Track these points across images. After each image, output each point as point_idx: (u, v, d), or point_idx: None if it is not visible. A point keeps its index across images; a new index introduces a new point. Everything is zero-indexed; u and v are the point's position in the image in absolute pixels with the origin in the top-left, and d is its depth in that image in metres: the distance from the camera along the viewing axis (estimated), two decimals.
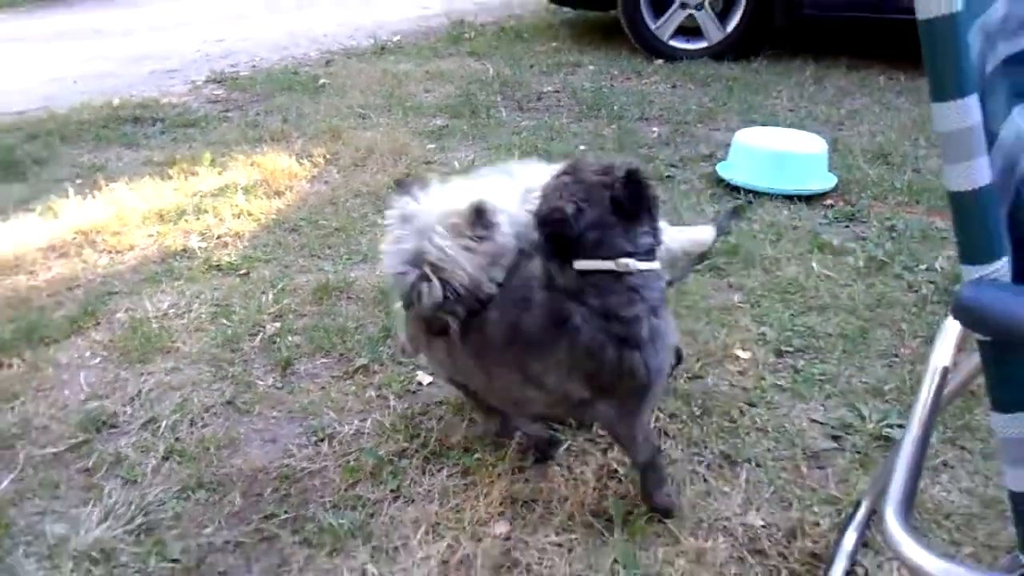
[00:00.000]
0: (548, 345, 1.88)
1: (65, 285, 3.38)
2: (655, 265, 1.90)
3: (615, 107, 5.21)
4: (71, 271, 3.50)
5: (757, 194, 3.89)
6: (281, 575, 2.00)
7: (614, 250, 1.82)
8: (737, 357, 2.73)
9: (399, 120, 5.22)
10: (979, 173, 0.92)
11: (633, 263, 1.82)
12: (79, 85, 6.58)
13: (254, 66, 6.95)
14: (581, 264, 1.83)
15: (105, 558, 2.04)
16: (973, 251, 0.96)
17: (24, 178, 4.57)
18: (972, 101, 0.91)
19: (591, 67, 6.25)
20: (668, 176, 4.18)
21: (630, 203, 1.82)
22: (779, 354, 2.74)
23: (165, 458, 2.39)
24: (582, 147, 4.58)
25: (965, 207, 0.95)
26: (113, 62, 7.45)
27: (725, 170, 4.08)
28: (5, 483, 2.33)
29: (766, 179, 3.90)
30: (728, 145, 4.17)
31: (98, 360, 2.86)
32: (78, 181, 4.40)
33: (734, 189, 3.97)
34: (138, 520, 2.15)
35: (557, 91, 5.70)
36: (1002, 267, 0.95)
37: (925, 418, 1.23)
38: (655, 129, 4.86)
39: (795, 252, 3.33)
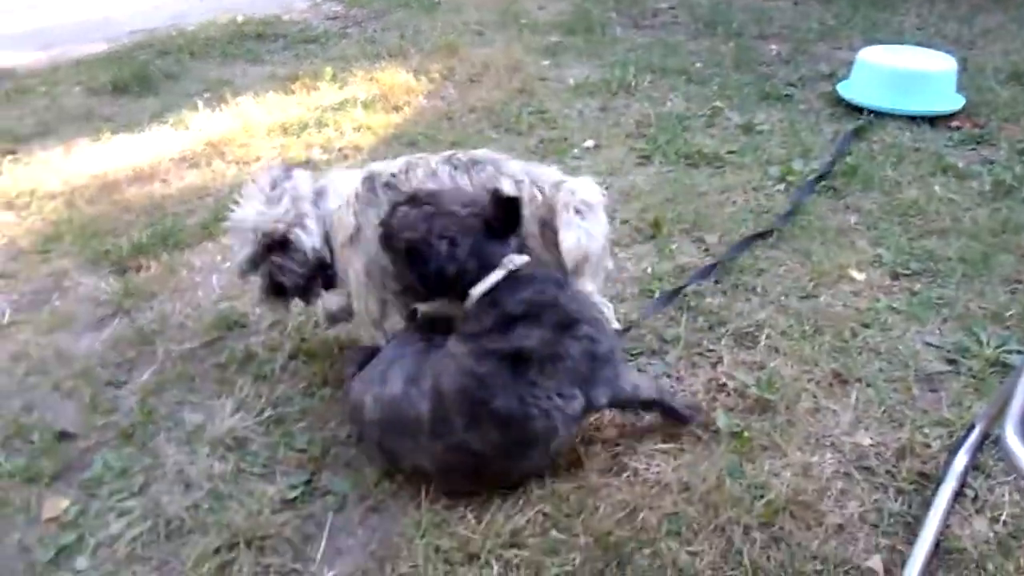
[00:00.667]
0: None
1: (196, 194, 3.53)
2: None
3: (733, 24, 5.10)
4: (202, 180, 3.65)
5: (879, 114, 3.79)
6: None
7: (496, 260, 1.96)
8: (852, 278, 2.71)
9: (514, 36, 5.22)
10: None
11: (516, 257, 1.96)
12: (205, 3, 6.73)
13: None
14: (476, 290, 1.95)
15: (238, 445, 2.19)
16: None
17: (157, 92, 4.75)
18: None
19: None
20: (786, 95, 4.11)
21: (504, 225, 1.96)
22: (895, 276, 2.71)
23: (292, 357, 2.51)
24: (698, 64, 4.52)
25: None
26: None
27: (846, 89, 3.99)
28: (147, 375, 2.49)
29: (889, 99, 3.79)
30: (850, 64, 4.06)
31: (228, 264, 2.99)
32: (206, 95, 4.55)
33: (855, 109, 3.87)
34: (267, 412, 2.29)
35: (673, 7, 5.61)
36: None
37: None
38: (774, 47, 4.76)
39: (916, 174, 3.26)
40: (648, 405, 2.11)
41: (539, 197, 2.11)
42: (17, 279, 3.04)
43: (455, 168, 2.20)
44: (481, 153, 2.26)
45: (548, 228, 2.09)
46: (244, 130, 4.07)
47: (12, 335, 2.74)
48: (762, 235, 2.91)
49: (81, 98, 4.75)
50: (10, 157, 4.02)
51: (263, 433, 2.23)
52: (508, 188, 2.10)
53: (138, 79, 4.85)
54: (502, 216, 1.96)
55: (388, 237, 2.02)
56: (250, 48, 5.42)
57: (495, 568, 1.81)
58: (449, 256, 1.94)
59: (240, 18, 6.02)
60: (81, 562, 1.92)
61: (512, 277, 1.96)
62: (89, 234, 3.25)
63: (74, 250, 3.17)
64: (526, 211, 2.05)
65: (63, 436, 2.28)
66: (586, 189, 2.13)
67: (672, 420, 2.13)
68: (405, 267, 2.01)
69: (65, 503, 2.07)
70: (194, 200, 3.47)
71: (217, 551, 1.90)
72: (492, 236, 1.97)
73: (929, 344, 2.40)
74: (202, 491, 2.06)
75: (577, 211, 2.05)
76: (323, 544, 1.93)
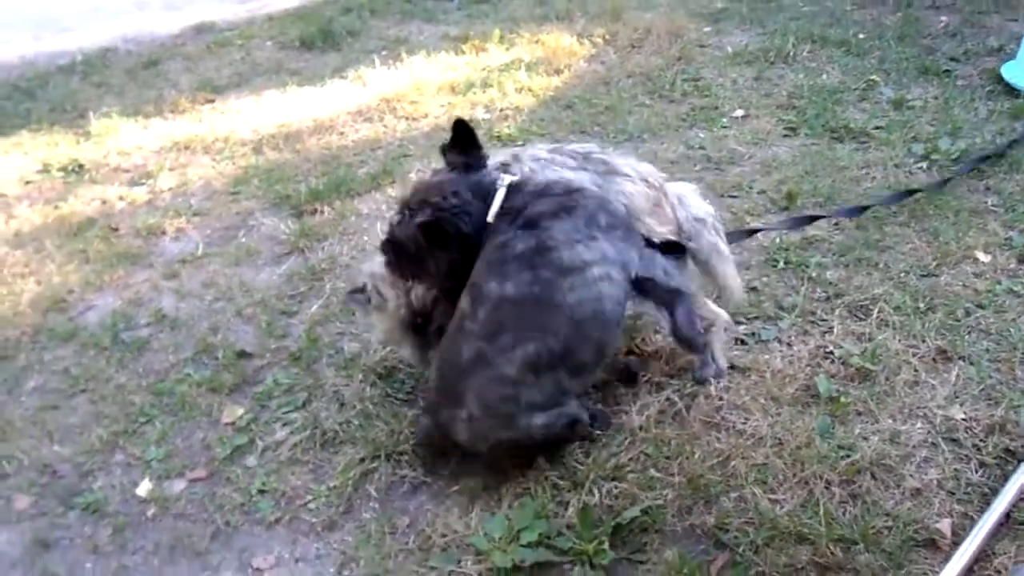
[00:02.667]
0: None
1: (369, 146, 3.88)
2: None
3: None
4: (374, 134, 4.00)
5: None
6: None
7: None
8: (976, 259, 2.78)
9: (679, 1, 5.33)
10: None
11: (506, 176, 2.18)
12: None
13: None
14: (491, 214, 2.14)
15: (387, 374, 2.52)
16: None
17: (339, 48, 5.14)
18: None
19: None
20: (946, 71, 4.09)
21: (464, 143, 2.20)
22: (1021, 261, 2.77)
23: None
24: (861, 35, 4.55)
25: None
26: None
27: (1009, 71, 3.92)
28: (315, 307, 2.85)
29: None
30: (1021, 39, 4.00)
31: (392, 212, 3.31)
32: (383, 52, 4.90)
33: (1017, 91, 3.83)
34: None
35: None
36: None
37: None
38: (943, 18, 4.71)
39: None
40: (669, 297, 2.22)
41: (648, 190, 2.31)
42: (210, 216, 3.47)
43: (573, 159, 2.35)
44: (589, 147, 2.41)
45: (659, 207, 2.31)
46: (415, 88, 4.39)
47: (204, 265, 3.15)
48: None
49: (272, 52, 5.19)
50: (209, 106, 4.49)
51: (409, 365, 2.54)
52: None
53: (323, 35, 5.25)
54: (460, 137, 2.20)
55: (400, 243, 2.22)
56: (427, 7, 5.74)
57: (596, 496, 2.07)
58: (454, 206, 2.13)
59: None
60: (251, 460, 2.30)
61: (514, 189, 2.16)
62: (273, 179, 3.65)
63: (259, 193, 3.57)
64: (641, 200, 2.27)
65: (242, 355, 2.67)
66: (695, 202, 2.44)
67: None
68: (429, 254, 2.18)
69: (240, 411, 2.45)
70: (366, 152, 3.82)
71: (362, 460, 2.23)
72: (470, 170, 2.20)
73: None
74: (354, 410, 2.40)
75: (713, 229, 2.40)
76: (454, 463, 2.23)
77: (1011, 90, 3.85)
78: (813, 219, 2.94)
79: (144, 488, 2.26)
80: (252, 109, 4.38)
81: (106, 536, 2.15)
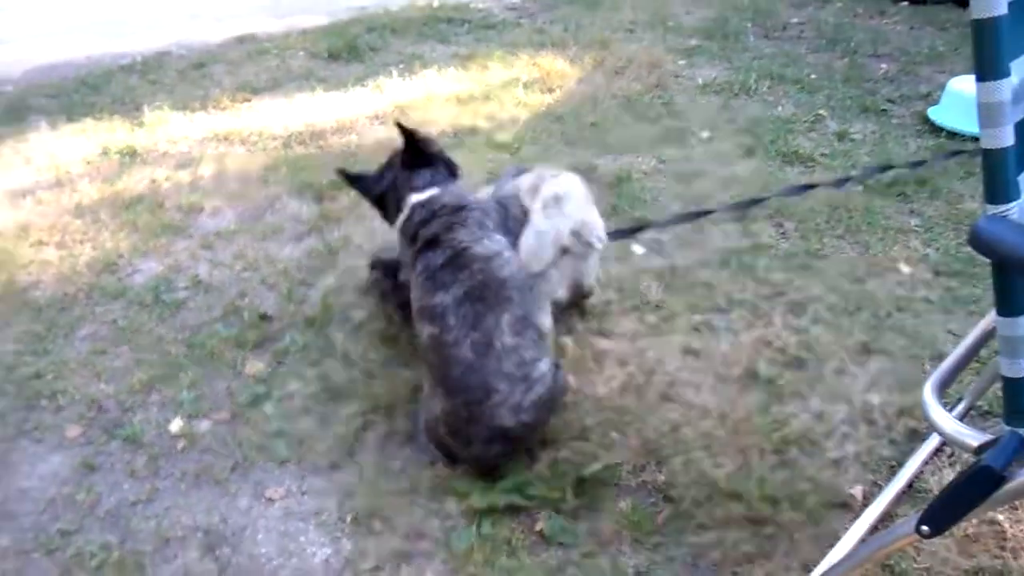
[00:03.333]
0: None
1: (382, 146, 3.84)
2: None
3: (851, 42, 5.08)
4: (388, 135, 3.97)
5: (963, 137, 3.78)
6: None
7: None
8: (899, 270, 2.82)
9: (659, 37, 5.34)
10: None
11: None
12: None
13: None
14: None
15: (390, 339, 2.54)
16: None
17: (362, 60, 5.13)
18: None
19: (839, 3, 6.02)
20: (883, 110, 4.13)
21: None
22: (937, 273, 2.80)
23: None
24: (812, 76, 4.57)
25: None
26: None
27: (935, 113, 3.97)
28: (330, 279, 2.87)
29: (971, 125, 3.78)
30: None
31: None
32: (400, 66, 4.89)
33: (941, 131, 3.87)
34: None
35: (802, 23, 5.59)
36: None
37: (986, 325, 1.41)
38: (883, 66, 4.74)
39: (980, 190, 3.28)
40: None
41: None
42: (243, 198, 3.47)
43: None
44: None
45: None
46: (426, 97, 4.40)
47: (235, 239, 3.16)
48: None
49: (303, 61, 5.17)
50: (247, 104, 4.47)
51: (409, 334, 2.54)
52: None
53: (349, 49, 5.24)
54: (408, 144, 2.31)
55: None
56: (441, 30, 5.73)
57: (563, 452, 2.10)
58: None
59: (436, 3, 6.32)
60: (268, 407, 2.31)
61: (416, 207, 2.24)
62: (298, 169, 3.65)
63: (286, 180, 3.58)
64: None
65: (264, 317, 2.68)
66: (562, 183, 2.43)
67: None
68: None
69: (261, 365, 2.47)
70: (380, 152, 3.76)
71: (363, 414, 2.26)
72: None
73: (950, 331, 2.50)
74: (358, 368, 2.42)
75: (545, 206, 2.36)
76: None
77: (936, 129, 3.88)
78: (809, 187, 3.30)
79: (176, 425, 2.27)
80: (283, 109, 4.37)
81: (142, 463, 2.17)
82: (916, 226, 3.08)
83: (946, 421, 1.26)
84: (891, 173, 3.42)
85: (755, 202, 3.21)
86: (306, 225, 3.23)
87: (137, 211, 3.38)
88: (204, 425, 2.28)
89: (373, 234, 3.09)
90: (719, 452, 2.10)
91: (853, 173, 3.44)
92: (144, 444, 2.23)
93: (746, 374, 2.36)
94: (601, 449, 2.11)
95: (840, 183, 3.36)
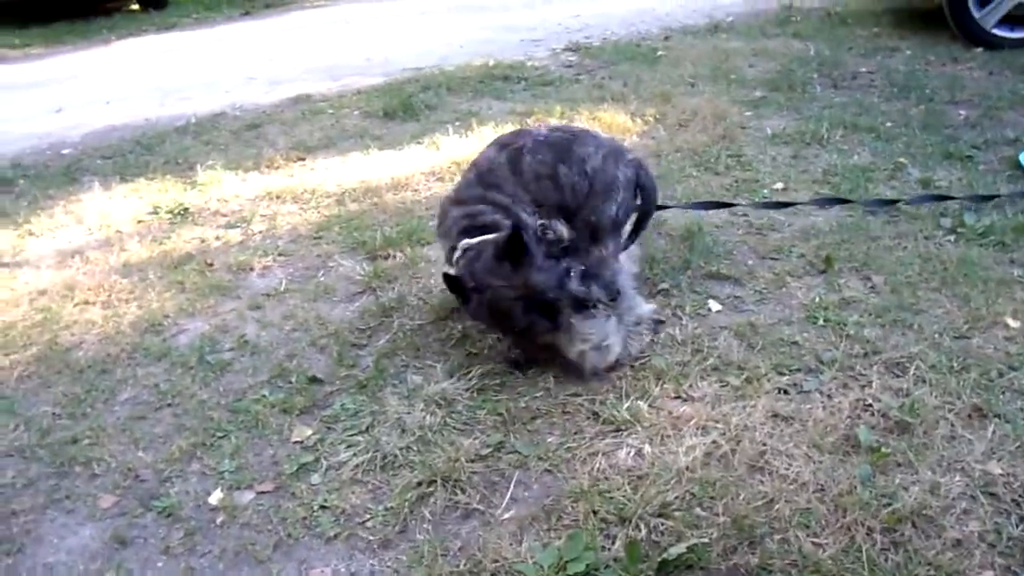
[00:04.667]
0: None
1: (439, 203, 3.74)
2: None
3: (926, 90, 4.85)
4: (444, 191, 3.85)
5: None
6: (575, 440, 2.19)
7: None
8: (1007, 324, 2.55)
9: (723, 89, 5.18)
10: None
11: None
12: (464, 49, 7.06)
13: (604, 38, 7.09)
14: None
15: (447, 404, 2.34)
16: None
17: (418, 119, 5.05)
18: None
19: (908, 52, 5.83)
20: (968, 156, 3.87)
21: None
22: None
23: (499, 339, 2.64)
24: (888, 124, 4.34)
25: None
26: (491, 31, 7.90)
27: None
28: (383, 341, 2.69)
29: None
30: None
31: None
32: (457, 123, 4.79)
33: None
34: (474, 381, 2.43)
35: (871, 72, 5.39)
36: None
37: None
38: (963, 112, 4.49)
39: None
40: None
41: None
42: (294, 256, 3.34)
43: None
44: None
45: None
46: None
47: (285, 300, 3.02)
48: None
49: (358, 120, 5.12)
50: (300, 163, 4.40)
51: (468, 397, 2.37)
52: None
53: (404, 107, 5.17)
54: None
55: None
56: (497, 87, 5.65)
57: (642, 531, 1.86)
58: None
59: (491, 62, 6.27)
60: (315, 478, 2.12)
61: None
62: (352, 227, 3.52)
63: (339, 238, 3.45)
64: None
65: (314, 380, 2.51)
66: None
67: None
68: None
69: (309, 431, 2.29)
70: (437, 207, 3.67)
71: (419, 485, 2.05)
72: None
73: None
74: (414, 436, 2.22)
75: None
76: (506, 493, 2.04)
77: None
78: (842, 201, 3.36)
79: (216, 497, 2.10)
80: (338, 167, 4.29)
81: (178, 538, 1.99)
82: (1019, 277, 2.82)
83: None
84: (985, 221, 3.15)
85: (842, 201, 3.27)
86: (359, 284, 3.08)
87: (185, 271, 3.27)
88: (246, 497, 2.10)
89: (429, 293, 2.93)
90: (820, 530, 1.85)
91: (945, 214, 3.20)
92: (181, 517, 2.06)
93: (845, 441, 2.10)
94: (685, 527, 1.87)
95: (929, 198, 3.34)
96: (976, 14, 5.73)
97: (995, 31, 5.72)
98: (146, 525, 2.04)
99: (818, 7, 7.74)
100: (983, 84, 4.96)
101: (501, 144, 2.67)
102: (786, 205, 3.26)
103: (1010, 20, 5.69)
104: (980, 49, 5.67)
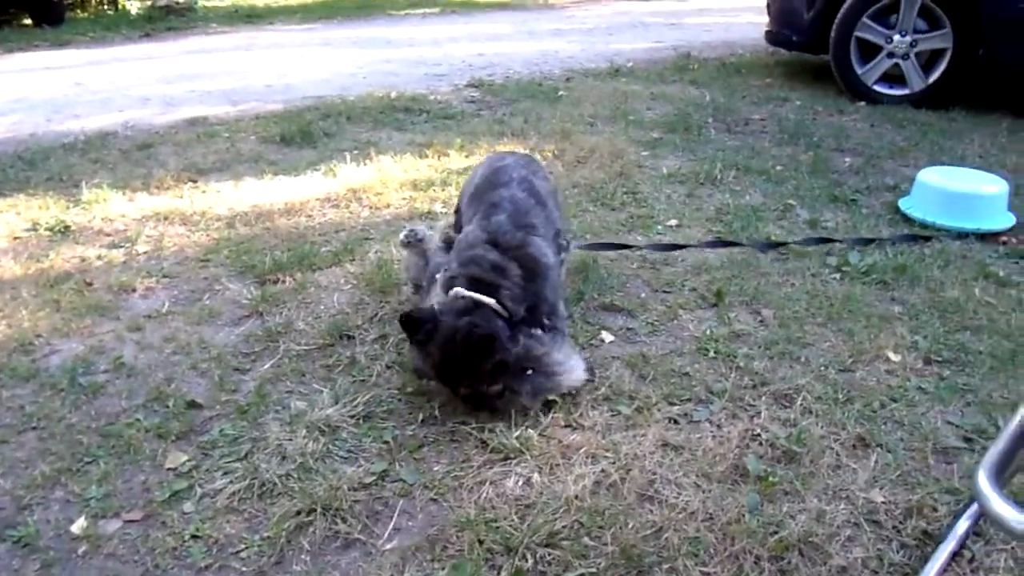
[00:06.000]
0: None
1: (333, 228, 3.65)
2: None
3: (814, 137, 5.04)
4: (339, 218, 3.77)
5: (935, 228, 3.66)
6: (463, 469, 2.11)
7: None
8: (888, 359, 2.62)
9: (621, 129, 5.25)
10: None
11: None
12: (367, 80, 7.00)
13: (507, 76, 7.15)
14: None
15: (331, 431, 2.23)
16: None
17: (315, 146, 4.94)
18: None
19: (798, 102, 6.06)
20: (852, 200, 4.02)
21: None
22: (928, 362, 2.61)
23: (388, 367, 2.56)
24: (778, 167, 4.47)
25: None
26: (396, 64, 7.87)
27: (905, 204, 3.87)
28: (267, 366, 2.57)
29: (942, 216, 3.67)
30: (913, 180, 3.94)
31: (349, 286, 3.08)
32: (355, 152, 4.71)
33: (912, 221, 3.76)
34: (360, 408, 2.33)
35: (763, 119, 5.57)
36: None
37: None
38: (847, 159, 4.67)
39: (960, 278, 3.14)
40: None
41: None
42: (179, 278, 3.19)
43: None
44: None
45: None
46: (381, 182, 4.20)
47: (167, 322, 2.86)
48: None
49: (254, 145, 4.98)
50: (191, 185, 4.24)
51: (353, 424, 2.27)
52: None
53: (302, 134, 5.06)
54: None
55: None
56: (397, 118, 5.60)
57: (529, 562, 1.80)
58: None
59: (393, 94, 6.22)
60: (188, 506, 1.99)
61: None
62: (241, 250, 3.39)
63: (227, 262, 3.31)
64: None
65: (192, 405, 2.37)
66: None
67: None
68: None
69: (184, 458, 2.15)
70: (330, 233, 3.59)
71: (298, 513, 1.94)
72: None
73: (949, 423, 2.29)
74: (294, 464, 2.10)
75: None
76: (389, 523, 1.95)
77: (908, 219, 3.77)
78: (731, 244, 3.41)
79: (78, 525, 1.94)
80: (230, 191, 4.14)
81: (33, 570, 1.83)
82: (900, 314, 2.90)
83: (1017, 517, 1.00)
84: (868, 260, 3.25)
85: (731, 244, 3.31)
86: (246, 308, 2.94)
87: (62, 290, 3.08)
88: (112, 525, 1.95)
89: (318, 318, 2.83)
90: (708, 559, 1.82)
91: (832, 251, 3.30)
92: (38, 547, 1.89)
93: (734, 470, 2.09)
94: (573, 557, 1.82)
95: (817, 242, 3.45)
96: (859, 71, 6.03)
97: (875, 87, 6.04)
98: None
99: (714, 57, 8.00)
100: (866, 135, 5.18)
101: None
102: (680, 247, 3.30)
103: (888, 79, 6.00)
104: (863, 103, 5.96)
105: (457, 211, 2.98)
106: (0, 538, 1.91)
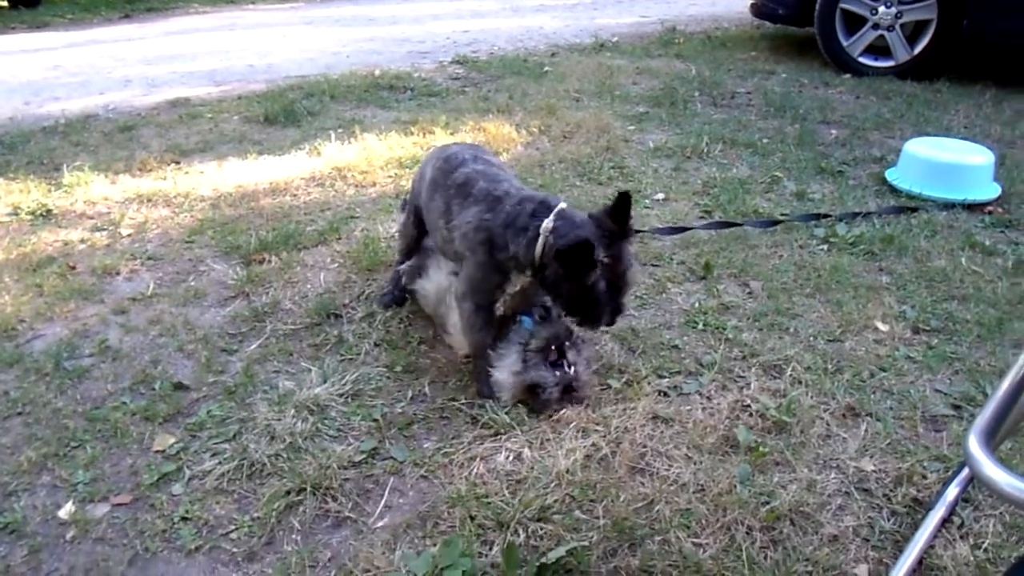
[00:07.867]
0: None
1: (319, 207, 3.61)
2: None
3: (800, 110, 5.01)
4: (324, 197, 3.74)
5: (921, 198, 3.66)
6: (453, 445, 2.10)
7: None
8: (876, 328, 2.62)
9: (607, 104, 5.22)
10: None
11: None
12: (351, 59, 6.92)
13: (491, 53, 7.08)
14: None
15: (319, 410, 2.22)
16: None
17: (299, 125, 4.89)
18: None
19: (783, 75, 6.03)
20: (839, 171, 4.01)
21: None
22: (916, 331, 2.61)
23: (376, 344, 2.55)
24: (764, 140, 4.45)
25: None
26: (379, 42, 7.78)
27: (892, 175, 3.87)
28: (254, 346, 2.55)
29: (929, 187, 3.66)
30: (899, 151, 3.93)
31: (336, 265, 3.05)
32: (339, 130, 4.66)
33: (898, 191, 3.75)
34: (348, 387, 2.32)
35: (749, 92, 5.53)
36: None
37: None
38: (833, 132, 4.65)
39: (947, 248, 3.14)
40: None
41: None
42: (164, 260, 3.15)
43: None
44: None
45: None
46: (366, 160, 4.16)
47: (153, 304, 2.83)
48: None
49: (238, 125, 4.92)
50: (174, 166, 4.19)
51: (342, 403, 2.26)
52: None
53: (286, 113, 5.01)
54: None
55: None
56: (382, 96, 5.54)
57: (521, 536, 1.80)
58: None
59: (377, 72, 6.15)
60: (176, 488, 1.98)
61: None
62: (226, 231, 3.35)
63: (212, 242, 3.27)
64: None
65: (179, 387, 2.35)
66: None
67: None
68: None
69: (171, 440, 2.13)
70: (316, 212, 3.55)
71: (288, 493, 1.93)
72: None
73: (938, 391, 2.30)
74: (283, 444, 2.09)
75: None
76: (380, 500, 1.94)
77: (895, 190, 3.77)
78: (733, 225, 3.30)
79: (66, 510, 1.92)
80: (214, 172, 4.09)
81: (21, 556, 1.81)
82: (887, 284, 2.90)
83: (1008, 480, 0.99)
84: (856, 231, 3.24)
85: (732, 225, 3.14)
86: (231, 289, 2.92)
87: (45, 274, 3.04)
88: (100, 510, 1.93)
89: (305, 297, 2.80)
90: (700, 530, 1.82)
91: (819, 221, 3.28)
92: (26, 534, 1.87)
93: (724, 442, 2.09)
94: (564, 531, 1.81)
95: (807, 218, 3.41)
96: (844, 43, 6.00)
97: (861, 59, 6.01)
98: None
99: (699, 31, 7.95)
100: (851, 106, 5.16)
101: None
102: (682, 230, 3.26)
103: (874, 50, 5.98)
104: (848, 75, 5.93)
105: (408, 210, 2.72)
106: None
